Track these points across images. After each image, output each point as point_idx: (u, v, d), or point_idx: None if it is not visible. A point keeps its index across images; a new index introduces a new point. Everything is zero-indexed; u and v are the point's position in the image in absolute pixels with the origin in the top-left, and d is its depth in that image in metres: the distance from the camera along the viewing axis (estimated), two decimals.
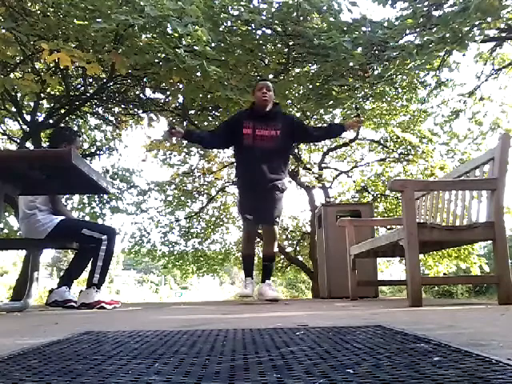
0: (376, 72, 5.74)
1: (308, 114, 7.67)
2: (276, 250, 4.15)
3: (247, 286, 3.91)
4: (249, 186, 3.97)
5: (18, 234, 7.19)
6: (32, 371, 0.79)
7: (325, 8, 5.27)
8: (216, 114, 7.21)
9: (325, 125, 4.07)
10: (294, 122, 4.14)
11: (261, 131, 3.89)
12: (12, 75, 5.85)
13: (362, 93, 6.34)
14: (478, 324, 1.59)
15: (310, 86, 6.32)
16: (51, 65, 5.87)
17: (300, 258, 11.63)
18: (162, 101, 7.09)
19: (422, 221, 3.36)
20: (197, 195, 11.34)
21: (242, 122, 3.94)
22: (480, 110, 9.61)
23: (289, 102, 7.03)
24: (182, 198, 11.21)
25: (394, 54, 4.98)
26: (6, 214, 7.21)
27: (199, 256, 12.58)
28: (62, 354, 0.98)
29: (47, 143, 4.17)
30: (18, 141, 7.42)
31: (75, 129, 8.06)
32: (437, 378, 0.67)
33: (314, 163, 10.60)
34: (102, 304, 3.41)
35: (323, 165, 10.61)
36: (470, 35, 4.80)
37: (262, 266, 4.22)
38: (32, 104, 6.76)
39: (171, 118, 7.57)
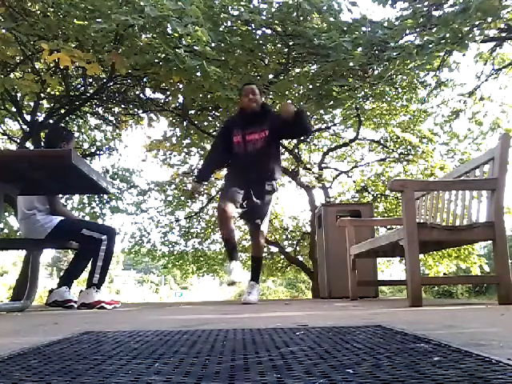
0: (376, 72, 5.74)
1: (308, 114, 7.67)
2: (263, 241, 4.18)
3: (232, 269, 3.77)
4: (238, 177, 3.96)
5: (18, 234, 7.19)
6: (32, 371, 0.79)
7: (325, 8, 5.26)
8: (216, 114, 7.21)
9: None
10: (277, 118, 4.02)
11: (250, 136, 3.94)
12: (12, 75, 5.85)
13: (362, 93, 6.34)
14: (477, 324, 1.59)
15: (310, 86, 6.32)
16: (51, 65, 5.88)
17: (300, 258, 11.62)
18: (162, 101, 7.09)
19: (422, 221, 3.36)
20: (197, 195, 11.33)
21: (231, 130, 4.02)
22: (480, 110, 9.60)
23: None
24: (182, 197, 11.21)
25: (394, 54, 4.98)
26: (6, 213, 7.22)
27: (199, 256, 12.57)
28: (62, 354, 0.98)
29: (44, 143, 4.20)
30: (18, 141, 7.42)
31: (75, 129, 8.08)
32: (437, 377, 0.67)
33: (314, 163, 10.60)
34: (102, 304, 3.41)
35: (323, 165, 10.60)
36: (470, 35, 4.80)
37: (251, 265, 4.28)
38: (32, 104, 6.77)
39: (171, 118, 7.57)
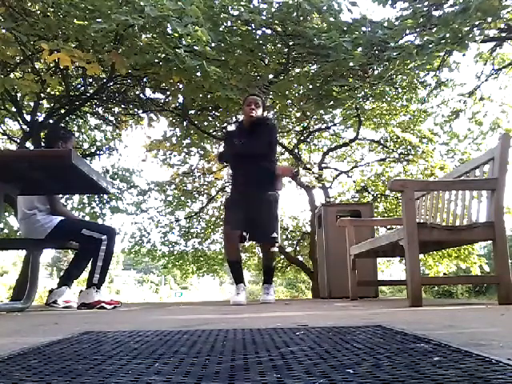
0: (376, 72, 5.74)
1: (308, 114, 7.67)
2: (276, 250, 4.19)
3: (239, 293, 3.83)
4: (238, 200, 4.00)
5: (18, 234, 7.19)
6: (32, 371, 0.79)
7: (325, 8, 5.27)
8: (216, 114, 7.21)
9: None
10: (270, 132, 4.06)
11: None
12: (12, 75, 5.85)
13: (362, 93, 6.34)
14: (477, 324, 1.59)
15: (310, 86, 6.32)
16: (51, 65, 5.87)
17: (300, 258, 11.62)
18: (162, 101, 7.09)
19: (422, 221, 3.36)
20: (197, 195, 11.33)
21: (232, 139, 4.13)
22: (480, 110, 9.60)
23: (289, 102, 7.03)
24: (182, 198, 11.20)
25: (394, 54, 4.98)
26: (6, 213, 7.22)
27: (199, 256, 12.57)
28: (62, 354, 0.98)
29: (43, 143, 4.21)
30: (18, 141, 7.42)
31: (75, 129, 8.08)
32: (437, 377, 0.67)
33: (314, 163, 10.60)
34: (102, 304, 3.41)
35: (323, 165, 10.60)
36: (470, 35, 4.80)
37: (263, 270, 4.30)
38: (32, 104, 6.76)
39: (171, 118, 7.57)
